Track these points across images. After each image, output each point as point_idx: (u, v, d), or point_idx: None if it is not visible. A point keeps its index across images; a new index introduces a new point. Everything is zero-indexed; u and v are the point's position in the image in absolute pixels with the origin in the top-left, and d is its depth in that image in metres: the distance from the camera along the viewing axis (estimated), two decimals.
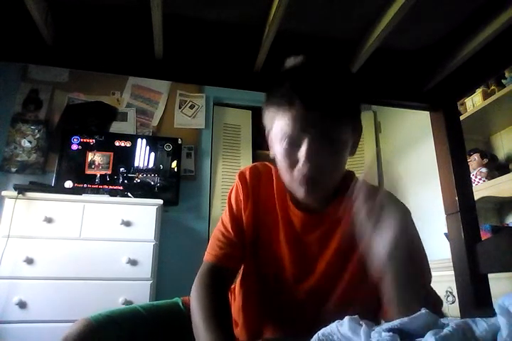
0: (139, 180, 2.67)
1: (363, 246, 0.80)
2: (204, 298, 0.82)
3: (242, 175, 0.93)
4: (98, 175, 2.60)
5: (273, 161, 0.90)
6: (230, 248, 0.90)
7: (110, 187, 2.57)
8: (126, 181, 2.63)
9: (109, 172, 2.62)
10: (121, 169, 2.65)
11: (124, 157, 2.69)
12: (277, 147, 0.78)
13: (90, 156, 2.63)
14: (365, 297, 0.82)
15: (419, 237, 0.83)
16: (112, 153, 2.67)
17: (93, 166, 2.62)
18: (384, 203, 0.81)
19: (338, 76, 0.79)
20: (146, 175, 2.69)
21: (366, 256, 0.80)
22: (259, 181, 0.92)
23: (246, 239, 0.91)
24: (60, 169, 2.56)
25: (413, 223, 0.85)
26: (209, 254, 0.92)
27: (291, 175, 0.78)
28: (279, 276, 0.88)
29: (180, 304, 0.97)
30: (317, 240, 0.86)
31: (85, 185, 2.54)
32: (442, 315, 0.72)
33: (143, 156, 2.73)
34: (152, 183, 2.68)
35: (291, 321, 0.88)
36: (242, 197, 0.92)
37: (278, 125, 0.76)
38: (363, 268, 0.81)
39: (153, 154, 2.75)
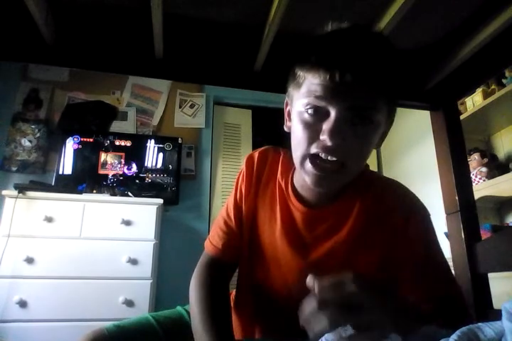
0: (140, 180, 2.67)
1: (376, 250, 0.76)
2: (203, 297, 0.80)
3: (250, 160, 0.87)
4: (109, 175, 2.60)
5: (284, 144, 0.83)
6: (231, 237, 0.87)
7: (112, 186, 2.57)
8: (125, 180, 2.64)
9: (120, 172, 2.62)
10: (125, 168, 2.66)
11: (125, 156, 2.69)
12: (298, 116, 0.68)
13: (102, 156, 2.64)
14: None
15: (438, 243, 0.80)
16: (123, 154, 2.68)
17: (106, 166, 2.63)
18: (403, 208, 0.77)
19: (385, 51, 0.67)
20: (146, 174, 2.69)
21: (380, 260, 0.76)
22: (265, 168, 0.85)
23: (244, 228, 0.86)
24: (60, 168, 2.56)
25: (433, 228, 0.81)
26: (210, 244, 0.89)
27: (307, 150, 0.66)
28: (275, 272, 0.83)
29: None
30: (319, 238, 0.78)
31: (87, 185, 2.54)
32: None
33: (142, 156, 2.73)
34: (152, 182, 2.68)
35: (289, 322, 0.86)
36: (244, 185, 0.86)
37: (305, 89, 0.65)
38: (371, 269, 0.77)
39: (152, 154, 2.75)
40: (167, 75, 1.30)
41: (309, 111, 0.65)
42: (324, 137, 0.62)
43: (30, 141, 2.69)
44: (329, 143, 0.62)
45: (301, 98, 0.66)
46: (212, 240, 0.89)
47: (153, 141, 2.79)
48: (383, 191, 0.80)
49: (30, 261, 1.99)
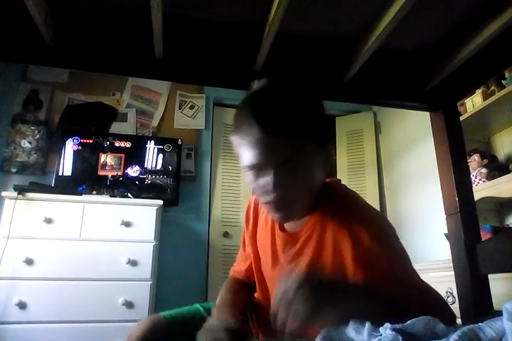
0: (140, 181, 2.66)
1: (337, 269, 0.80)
2: (229, 286, 1.00)
3: (248, 204, 1.04)
4: (109, 176, 2.60)
5: None
6: (244, 264, 1.04)
7: (112, 188, 2.56)
8: (125, 182, 2.63)
9: (119, 173, 2.62)
10: (124, 170, 2.66)
11: (125, 157, 2.69)
12: (246, 176, 0.80)
13: (102, 158, 2.63)
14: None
15: (403, 255, 0.80)
16: (123, 155, 2.69)
17: (106, 167, 2.63)
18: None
19: (294, 102, 0.77)
20: (146, 175, 2.69)
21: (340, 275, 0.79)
22: (259, 208, 1.00)
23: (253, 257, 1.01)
24: (59, 170, 2.56)
25: (396, 240, 0.81)
26: (232, 272, 1.09)
27: (262, 200, 0.79)
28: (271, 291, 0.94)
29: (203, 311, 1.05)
30: (290, 259, 0.88)
31: (86, 186, 2.53)
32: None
33: (142, 157, 2.73)
34: (152, 183, 2.68)
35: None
36: (245, 222, 1.04)
37: (242, 154, 0.77)
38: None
39: (152, 155, 2.75)
40: (167, 76, 1.30)
41: (249, 171, 0.77)
42: (267, 192, 0.75)
43: (29, 142, 2.69)
44: (272, 196, 0.75)
45: (242, 160, 0.78)
46: (234, 266, 1.10)
47: (152, 142, 2.79)
48: (339, 213, 0.84)
49: (29, 262, 1.99)
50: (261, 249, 0.98)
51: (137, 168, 2.69)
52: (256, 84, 0.81)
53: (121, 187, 2.58)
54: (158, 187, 2.68)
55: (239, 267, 1.07)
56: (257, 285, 1.01)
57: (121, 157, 2.68)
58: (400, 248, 0.80)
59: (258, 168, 0.75)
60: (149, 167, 2.72)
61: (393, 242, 0.80)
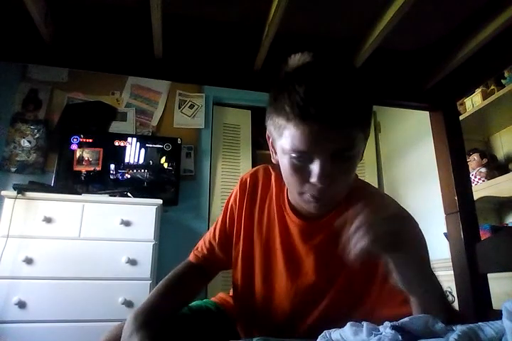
0: (139, 180, 2.66)
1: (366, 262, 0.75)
2: (168, 278, 0.95)
3: (242, 183, 0.93)
4: (110, 175, 2.60)
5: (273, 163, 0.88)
6: (210, 252, 0.96)
7: (111, 187, 2.57)
8: (126, 181, 2.63)
9: (99, 169, 2.63)
10: (122, 168, 2.66)
11: (124, 157, 2.69)
12: (284, 159, 0.72)
13: (79, 153, 2.64)
14: (354, 309, 0.79)
15: (426, 254, 0.77)
16: (122, 154, 2.69)
17: (83, 162, 2.63)
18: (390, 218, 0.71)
19: (353, 85, 0.70)
20: (147, 174, 2.69)
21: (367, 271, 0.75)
22: (258, 189, 0.92)
23: (234, 246, 0.92)
24: (60, 169, 2.56)
25: (421, 234, 0.79)
26: (192, 253, 0.99)
27: (300, 189, 0.72)
28: (270, 284, 0.87)
29: (212, 306, 0.99)
30: (314, 249, 0.82)
31: (86, 185, 2.53)
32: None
33: (143, 156, 2.73)
34: (151, 183, 2.68)
35: (280, 330, 0.85)
36: (237, 207, 0.92)
37: (287, 137, 0.68)
38: (356, 282, 0.78)
39: (153, 154, 2.75)
40: (166, 76, 1.29)
41: (295, 155, 0.69)
42: (314, 181, 0.68)
43: (29, 142, 2.69)
44: (319, 186, 0.68)
45: (285, 144, 0.69)
46: (196, 251, 0.99)
47: (152, 141, 2.79)
48: (371, 202, 0.80)
49: (29, 261, 1.99)
50: (260, 237, 0.89)
51: (136, 167, 2.69)
52: (298, 59, 0.73)
53: (121, 186, 2.58)
54: (157, 187, 2.68)
55: (204, 253, 0.97)
56: (240, 276, 0.91)
57: (120, 156, 2.68)
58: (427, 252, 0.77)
59: (306, 155, 0.68)
60: (149, 166, 2.71)
61: (424, 243, 0.77)
